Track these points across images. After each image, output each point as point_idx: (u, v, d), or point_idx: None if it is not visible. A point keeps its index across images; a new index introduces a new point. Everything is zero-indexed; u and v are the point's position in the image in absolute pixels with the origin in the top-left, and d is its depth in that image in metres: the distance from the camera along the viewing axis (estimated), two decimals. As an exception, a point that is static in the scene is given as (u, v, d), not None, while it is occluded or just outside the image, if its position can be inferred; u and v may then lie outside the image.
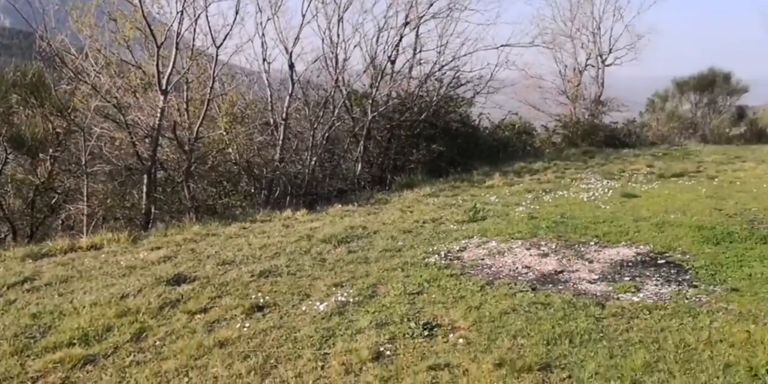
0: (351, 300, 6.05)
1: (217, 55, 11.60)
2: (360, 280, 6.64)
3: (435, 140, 14.77)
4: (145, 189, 10.77)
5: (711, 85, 27.61)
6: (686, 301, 5.85)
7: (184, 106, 11.34)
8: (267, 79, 13.31)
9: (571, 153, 17.47)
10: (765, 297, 5.85)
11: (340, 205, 10.83)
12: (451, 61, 15.96)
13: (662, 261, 7.19)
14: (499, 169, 14.21)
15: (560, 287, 6.39)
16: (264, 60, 13.09)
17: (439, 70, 15.87)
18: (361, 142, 13.52)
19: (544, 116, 23.32)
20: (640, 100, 29.94)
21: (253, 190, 12.23)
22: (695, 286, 6.29)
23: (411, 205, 10.70)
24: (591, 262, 7.23)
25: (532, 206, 10.26)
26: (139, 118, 10.92)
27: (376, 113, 13.66)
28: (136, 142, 10.82)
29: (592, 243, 7.98)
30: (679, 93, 29.10)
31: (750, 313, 5.46)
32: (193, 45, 11.81)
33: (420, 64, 16.13)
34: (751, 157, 16.14)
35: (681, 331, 5.13)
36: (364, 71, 14.57)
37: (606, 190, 11.55)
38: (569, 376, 4.43)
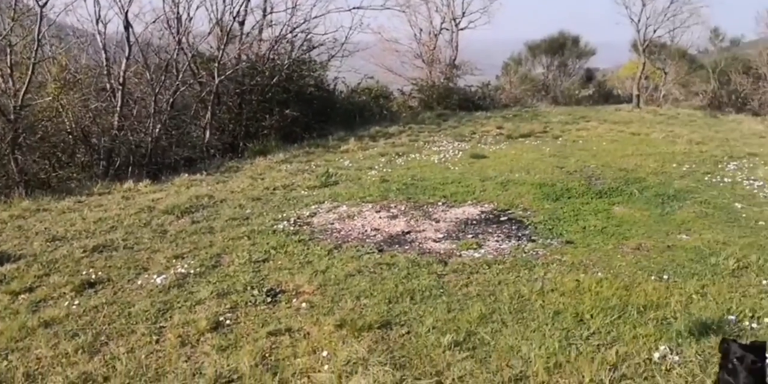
0: (192, 271, 5.79)
1: (42, 15, 10.49)
2: (203, 251, 6.38)
3: (288, 105, 14.39)
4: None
5: (561, 47, 29.18)
6: (524, 255, 6.14)
7: (8, 71, 10.23)
8: (102, 42, 12.27)
9: (427, 116, 17.78)
10: (596, 248, 6.29)
11: (187, 175, 10.33)
12: (303, 23, 15.51)
13: (504, 218, 7.50)
14: (354, 134, 14.19)
15: (406, 247, 6.49)
16: (98, 20, 12.06)
17: (291, 32, 15.39)
18: (209, 108, 12.90)
19: (402, 80, 23.50)
20: (497, 63, 31.02)
21: (91, 161, 11.33)
22: (533, 241, 6.62)
23: (263, 172, 10.42)
24: (438, 221, 7.40)
25: (384, 170, 10.34)
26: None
27: (223, 77, 13.05)
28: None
29: (440, 203, 8.17)
30: (531, 56, 30.55)
31: (581, 264, 5.84)
32: (16, 3, 10.64)
33: (270, 25, 15.57)
34: (595, 117, 17.25)
35: (516, 284, 5.38)
36: (210, 33, 13.83)
37: (456, 151, 11.88)
38: (408, 332, 4.51)
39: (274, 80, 14.34)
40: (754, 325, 4.46)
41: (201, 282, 5.57)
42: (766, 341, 3.54)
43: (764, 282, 5.20)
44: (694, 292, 5.03)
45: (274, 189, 9.06)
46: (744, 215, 7.26)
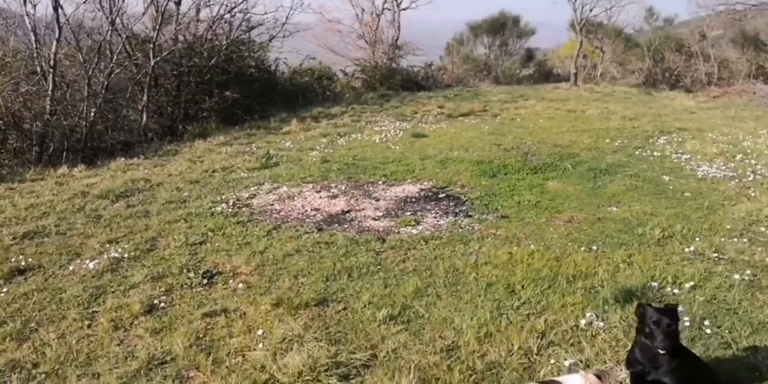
0: (126, 256, 5.70)
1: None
2: (138, 235, 6.27)
3: (228, 87, 14.10)
4: None
5: (502, 27, 29.34)
6: (460, 230, 6.25)
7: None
8: (31, 23, 11.77)
9: (369, 97, 17.71)
10: (530, 221, 6.45)
11: (123, 159, 10.08)
12: (241, 2, 15.16)
13: (443, 195, 7.60)
14: (297, 115, 14.04)
15: (346, 226, 6.53)
16: (26, 1, 11.53)
17: (229, 12, 15.01)
18: (146, 91, 12.55)
19: (345, 61, 23.28)
20: (441, 44, 31.03)
21: (23, 147, 10.93)
22: (470, 216, 6.74)
23: (202, 155, 10.25)
24: (377, 200, 7.44)
25: (326, 150, 10.31)
26: None
27: (159, 59, 12.69)
28: None
29: (380, 182, 8.21)
30: (473, 36, 30.63)
31: (515, 237, 5.99)
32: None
33: (208, 5, 15.16)
34: (534, 96, 17.51)
35: (452, 258, 5.49)
36: (144, 13, 13.39)
37: (398, 131, 11.91)
38: (344, 308, 4.57)
39: (213, 61, 14.03)
40: (676, 291, 4.68)
41: (135, 266, 5.49)
42: (678, 303, 3.75)
43: (687, 250, 5.45)
44: (621, 261, 5.24)
45: (213, 171, 8.93)
46: (671, 187, 7.55)
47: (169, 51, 13.15)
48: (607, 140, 10.38)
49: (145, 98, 12.56)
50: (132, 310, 4.57)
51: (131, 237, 6.24)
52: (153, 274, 5.27)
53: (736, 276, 4.86)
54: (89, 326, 4.43)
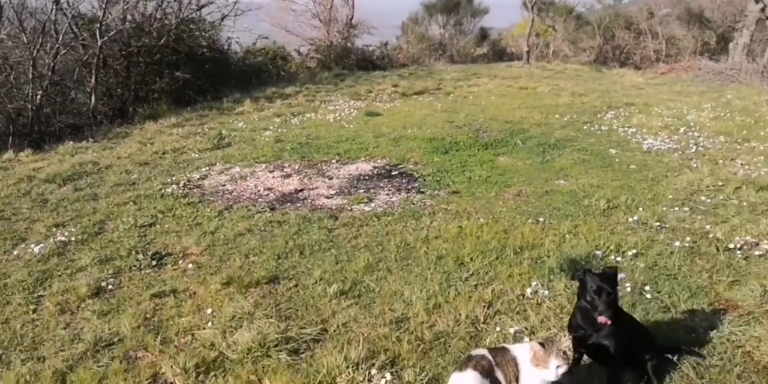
0: (73, 239, 5.60)
1: None
2: (85, 218, 6.16)
3: (179, 67, 13.82)
4: None
5: (456, 6, 29.28)
6: (412, 206, 6.31)
7: None
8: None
9: (324, 77, 17.60)
10: (480, 196, 6.54)
11: (72, 143, 9.83)
12: (191, -21, 14.86)
13: (396, 172, 7.64)
14: (250, 96, 13.85)
15: (299, 205, 6.52)
16: (-37, -19, 11.10)
17: (178, -10, 14.71)
18: (94, 72, 12.21)
19: (299, 40, 23.01)
20: (396, 23, 30.88)
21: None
22: (422, 192, 6.80)
23: (153, 136, 10.06)
24: (331, 178, 7.45)
25: (279, 130, 10.22)
26: None
27: (107, 38, 12.34)
28: None
29: (334, 161, 8.21)
30: (428, 15, 30.53)
31: (465, 211, 6.07)
32: None
33: (157, -17, 14.79)
34: (487, 74, 17.63)
35: (403, 233, 5.54)
36: (90, -9, 13.02)
37: (352, 110, 11.88)
38: (295, 285, 4.59)
39: (163, 41, 13.71)
40: (619, 259, 4.82)
41: (83, 249, 5.40)
42: (617, 267, 3.87)
43: (630, 219, 5.60)
44: (567, 231, 5.36)
45: (163, 153, 8.80)
46: (617, 160, 7.73)
47: (117, 31, 12.78)
48: (557, 116, 10.54)
49: (93, 80, 12.21)
50: (79, 293, 4.51)
51: (78, 220, 6.13)
52: (101, 256, 5.20)
53: (677, 243, 5.02)
54: (35, 311, 4.36)
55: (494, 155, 8.09)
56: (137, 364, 3.63)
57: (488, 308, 4.09)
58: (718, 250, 4.89)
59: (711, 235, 5.15)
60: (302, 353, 3.69)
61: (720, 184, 6.55)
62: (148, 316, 4.19)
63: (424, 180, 7.25)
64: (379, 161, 8.13)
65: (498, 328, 3.85)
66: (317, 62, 21.00)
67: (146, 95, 13.45)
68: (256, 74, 16.83)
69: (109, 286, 4.66)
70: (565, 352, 2.81)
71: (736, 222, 5.43)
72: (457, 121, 10.47)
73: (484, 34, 30.57)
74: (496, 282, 4.47)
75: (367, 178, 7.48)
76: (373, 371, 3.41)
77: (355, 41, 23.10)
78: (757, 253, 4.81)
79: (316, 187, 7.11)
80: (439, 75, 17.65)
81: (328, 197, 6.77)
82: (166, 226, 5.92)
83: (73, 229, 5.84)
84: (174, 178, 7.51)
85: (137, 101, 13.17)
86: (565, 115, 10.57)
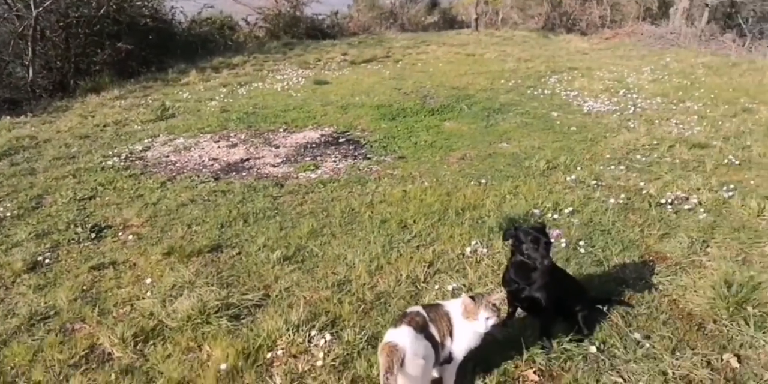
0: (9, 214, 5.46)
1: None
2: (22, 193, 6.00)
3: (121, 38, 13.42)
4: None
5: (407, -26, 28.98)
6: (358, 172, 6.33)
7: None
8: None
9: (273, 46, 17.30)
10: (425, 160, 6.59)
11: (9, 118, 9.49)
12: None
13: (343, 139, 7.63)
14: (196, 66, 13.56)
15: (244, 174, 6.48)
16: None
17: (116, -43, 14.14)
18: (30, 44, 11.75)
19: (247, 10, 22.49)
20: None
21: None
22: (369, 158, 6.82)
23: (94, 109, 9.78)
24: (277, 147, 7.39)
25: (225, 100, 10.06)
26: None
27: (42, 9, 11.85)
28: None
29: (281, 130, 8.14)
30: (379, -17, 30.13)
31: (410, 176, 6.12)
32: None
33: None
34: (436, 42, 17.56)
35: (349, 199, 5.57)
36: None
37: (300, 79, 11.75)
38: (239, 253, 4.58)
39: (103, 11, 13.22)
40: (556, 216, 4.94)
41: (19, 224, 5.28)
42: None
43: (569, 179, 5.73)
44: (508, 192, 5.46)
45: (104, 126, 8.58)
46: (559, 122, 7.86)
47: (52, 1, 12.27)
48: (502, 81, 10.63)
49: (30, 53, 11.76)
50: (14, 268, 4.42)
51: (15, 195, 5.97)
52: (37, 231, 5.09)
53: (612, 200, 5.18)
54: (-32, 288, 4.27)
55: (440, 121, 8.14)
56: (74, 336, 3.60)
57: (429, 268, 4.17)
58: (650, 205, 5.06)
59: (644, 192, 5.32)
60: (243, 319, 3.70)
61: (655, 143, 6.74)
62: (85, 288, 4.14)
63: (371, 146, 7.26)
64: (326, 129, 8.09)
65: (437, 287, 3.93)
66: (266, 31, 20.59)
67: (87, 67, 13.05)
68: (203, 44, 16.43)
69: (46, 260, 4.58)
70: (494, 305, 2.88)
71: (669, 178, 5.62)
72: (404, 88, 10.46)
73: (434, 3, 30.38)
74: (438, 243, 4.55)
75: (314, 146, 7.45)
76: (314, 332, 3.45)
77: (305, 10, 22.68)
78: (686, 207, 4.99)
79: (263, 156, 7.05)
80: (388, 43, 17.53)
81: (274, 166, 6.73)
82: (107, 198, 5.81)
83: (8, 205, 5.69)
84: (115, 151, 7.35)
85: (78, 74, 12.76)
86: (510, 81, 10.66)
